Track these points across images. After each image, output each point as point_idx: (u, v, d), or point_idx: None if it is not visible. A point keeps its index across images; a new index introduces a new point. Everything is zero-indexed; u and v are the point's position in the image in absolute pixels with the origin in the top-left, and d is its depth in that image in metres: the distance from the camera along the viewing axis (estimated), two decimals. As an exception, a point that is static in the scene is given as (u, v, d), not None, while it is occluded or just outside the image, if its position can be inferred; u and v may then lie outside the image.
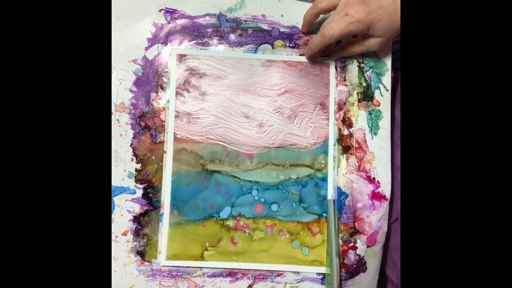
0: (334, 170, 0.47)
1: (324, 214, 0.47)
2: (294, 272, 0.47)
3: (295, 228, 0.47)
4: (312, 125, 0.47)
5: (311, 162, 0.47)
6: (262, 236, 0.47)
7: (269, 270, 0.47)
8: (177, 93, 0.47)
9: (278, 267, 0.47)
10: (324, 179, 0.47)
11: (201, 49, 0.48)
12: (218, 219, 0.47)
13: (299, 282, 0.47)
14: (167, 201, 0.46)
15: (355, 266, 0.47)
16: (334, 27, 0.41)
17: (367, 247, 0.47)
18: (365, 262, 0.47)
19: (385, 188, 0.47)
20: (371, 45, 0.45)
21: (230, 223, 0.47)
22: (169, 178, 0.46)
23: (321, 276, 0.47)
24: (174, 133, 0.47)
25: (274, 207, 0.47)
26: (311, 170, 0.47)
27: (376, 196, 0.47)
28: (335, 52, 0.47)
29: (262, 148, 0.47)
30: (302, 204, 0.47)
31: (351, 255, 0.47)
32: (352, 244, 0.47)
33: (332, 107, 0.48)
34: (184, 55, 0.47)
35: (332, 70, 0.48)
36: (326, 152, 0.47)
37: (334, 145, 0.47)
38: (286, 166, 0.47)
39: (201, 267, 0.47)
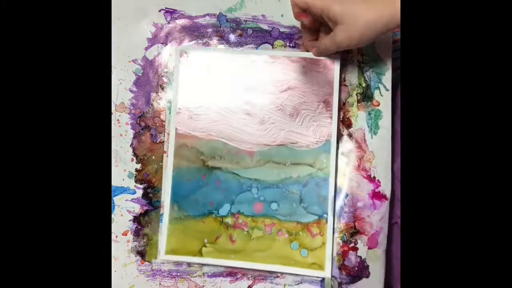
0: (335, 170, 0.46)
1: (325, 215, 0.46)
2: (294, 274, 0.46)
3: (294, 229, 0.46)
4: (315, 123, 0.47)
5: (313, 161, 0.46)
6: (260, 235, 0.46)
7: (268, 271, 0.46)
8: (179, 89, 0.47)
9: (276, 268, 0.45)
10: (326, 179, 0.46)
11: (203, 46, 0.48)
12: (217, 216, 0.46)
13: (298, 284, 0.46)
14: (167, 201, 0.46)
15: (356, 268, 0.46)
16: None
17: (368, 248, 0.46)
18: (368, 266, 0.46)
19: (386, 188, 0.46)
20: (337, 37, 0.40)
21: (229, 220, 0.46)
22: (169, 177, 0.47)
23: (320, 279, 0.46)
24: (176, 128, 0.47)
25: (274, 206, 0.46)
26: (312, 169, 0.46)
27: (376, 195, 0.46)
28: (312, 46, 0.45)
29: (263, 146, 0.47)
30: (302, 204, 0.46)
31: (352, 257, 0.46)
32: (352, 244, 0.46)
33: (335, 105, 0.47)
34: (187, 52, 0.48)
35: (336, 67, 0.47)
36: (328, 151, 0.46)
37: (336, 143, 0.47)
38: (287, 165, 0.46)
39: (199, 264, 0.46)
